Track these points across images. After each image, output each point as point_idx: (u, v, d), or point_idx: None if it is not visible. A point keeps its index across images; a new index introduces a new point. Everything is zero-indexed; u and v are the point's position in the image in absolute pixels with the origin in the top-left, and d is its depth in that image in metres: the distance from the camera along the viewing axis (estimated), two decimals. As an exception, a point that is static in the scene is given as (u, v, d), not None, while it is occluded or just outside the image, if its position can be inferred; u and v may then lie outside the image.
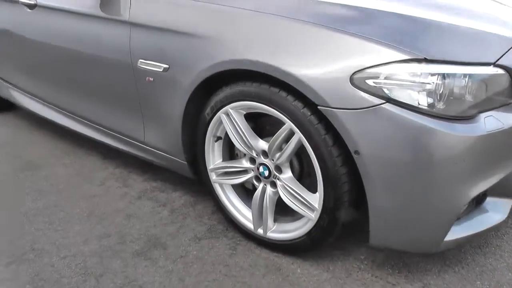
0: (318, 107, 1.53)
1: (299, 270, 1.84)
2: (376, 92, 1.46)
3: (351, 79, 1.48)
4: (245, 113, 1.81)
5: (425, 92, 1.45)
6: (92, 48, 2.28)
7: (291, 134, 1.67)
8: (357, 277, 1.79)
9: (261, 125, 1.89)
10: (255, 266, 1.87)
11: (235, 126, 1.83)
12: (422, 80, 1.45)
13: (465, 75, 1.47)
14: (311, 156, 1.64)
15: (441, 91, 1.45)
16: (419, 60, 1.45)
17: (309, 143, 1.62)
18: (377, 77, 1.46)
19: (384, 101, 1.45)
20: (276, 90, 1.64)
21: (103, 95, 2.37)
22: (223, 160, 2.01)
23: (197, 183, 2.44)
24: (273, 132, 1.86)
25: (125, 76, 2.16)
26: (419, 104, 1.45)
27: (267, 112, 1.72)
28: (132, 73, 2.12)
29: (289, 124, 1.64)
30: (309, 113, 1.59)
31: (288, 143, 1.69)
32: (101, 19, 2.20)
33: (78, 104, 2.58)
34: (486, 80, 1.50)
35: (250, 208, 1.99)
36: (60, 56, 2.50)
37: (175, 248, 2.00)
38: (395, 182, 1.50)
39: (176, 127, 2.04)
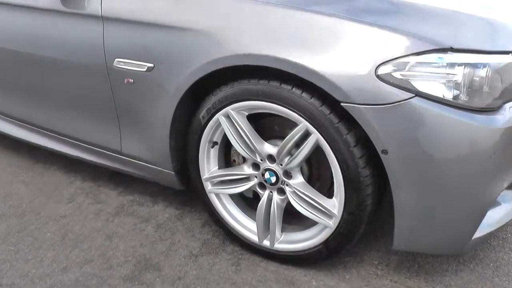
0: (342, 104, 1.39)
1: (314, 283, 1.69)
2: (403, 85, 1.35)
3: (376, 72, 1.36)
4: (247, 114, 1.64)
5: (451, 84, 1.36)
6: (54, 50, 1.99)
7: (304, 135, 1.52)
8: (376, 284, 1.68)
9: (261, 127, 1.72)
10: (265, 281, 1.70)
11: (237, 129, 1.64)
12: (448, 71, 1.35)
13: (490, 65, 1.39)
14: (329, 159, 1.50)
15: (466, 82, 1.36)
16: (445, 50, 1.36)
17: (328, 144, 1.47)
18: (403, 69, 1.35)
19: (412, 95, 1.34)
20: (288, 87, 1.48)
21: (70, 102, 2.08)
22: (219, 168, 1.82)
23: (180, 193, 2.24)
24: (277, 134, 1.71)
25: (97, 78, 1.90)
26: (444, 96, 1.36)
27: (275, 113, 1.55)
28: (106, 75, 1.87)
29: (304, 124, 1.49)
30: (328, 112, 1.45)
31: (303, 145, 1.53)
32: (65, 15, 1.92)
33: (38, 113, 2.26)
34: (510, 69, 1.44)
35: (252, 219, 1.82)
36: (13, 60, 2.18)
37: (171, 268, 1.78)
38: (424, 181, 1.40)
39: (162, 134, 1.82)
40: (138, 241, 1.94)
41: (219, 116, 1.65)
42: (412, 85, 1.35)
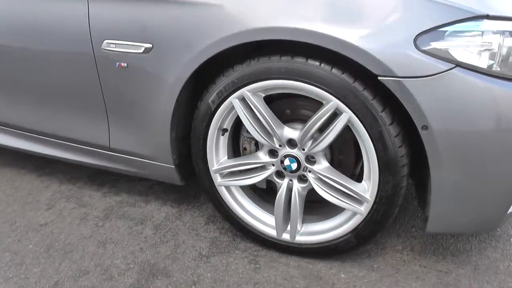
0: (379, 78, 1.28)
1: (343, 275, 1.57)
2: (443, 56, 1.25)
3: (415, 43, 1.25)
4: (264, 96, 1.48)
5: (487, 53, 1.29)
6: (29, 35, 1.73)
7: (331, 116, 1.40)
8: (406, 271, 1.59)
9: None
10: (291, 278, 1.56)
11: (253, 113, 1.49)
12: (484, 39, 1.28)
13: None
14: (362, 139, 1.38)
15: (502, 50, 1.29)
16: (481, 17, 1.28)
17: (362, 123, 1.35)
18: (441, 39, 1.26)
19: (453, 65, 1.25)
20: (315, 63, 1.35)
21: (48, 95, 1.82)
22: (228, 158, 1.65)
23: (171, 191, 2.05)
24: (288, 118, 1.56)
25: (81, 65, 1.67)
26: (482, 65, 1.28)
27: (298, 92, 1.41)
28: (92, 60, 1.64)
29: (334, 103, 1.36)
30: (361, 88, 1.33)
31: (331, 126, 1.40)
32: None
33: (9, 110, 1.97)
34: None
35: (267, 212, 1.67)
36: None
37: (181, 273, 1.59)
38: (464, 157, 1.31)
39: (162, 123, 1.63)
40: (137, 246, 1.74)
41: (233, 100, 1.48)
42: (451, 55, 1.26)
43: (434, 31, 1.26)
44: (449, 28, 1.26)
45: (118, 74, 1.62)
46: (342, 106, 1.35)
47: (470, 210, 1.40)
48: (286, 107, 1.58)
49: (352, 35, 1.26)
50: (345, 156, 1.58)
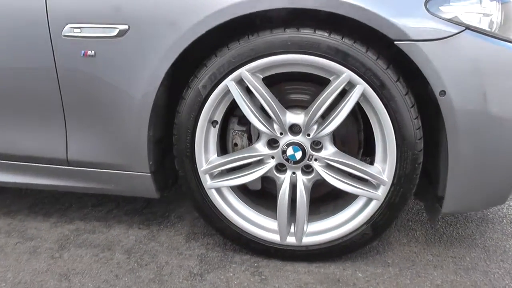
0: (396, 42, 1.20)
1: (360, 274, 1.41)
2: (452, 19, 1.23)
3: (426, 7, 1.22)
4: (262, 77, 1.34)
5: (488, 18, 1.29)
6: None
7: (340, 93, 1.29)
8: (421, 262, 1.48)
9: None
10: (306, 285, 1.36)
11: (252, 98, 1.33)
12: (484, 5, 1.29)
13: None
14: (379, 113, 1.28)
15: (499, 16, 1.31)
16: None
17: (377, 94, 1.26)
18: (447, 3, 1.24)
19: (463, 28, 1.22)
20: (324, 33, 1.24)
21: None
22: (218, 155, 1.45)
23: (135, 213, 1.78)
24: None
25: (35, 57, 1.40)
26: (487, 28, 1.27)
27: (304, 68, 1.29)
28: (49, 50, 1.38)
29: (347, 75, 1.25)
30: (375, 57, 1.24)
31: (344, 102, 1.29)
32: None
33: None
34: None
35: (265, 215, 1.48)
36: None
37: (175, 297, 1.32)
38: (481, 124, 1.27)
39: (138, 120, 1.39)
40: (111, 273, 1.42)
41: (228, 82, 1.31)
42: (460, 19, 1.24)
43: None
44: None
45: (82, 66, 1.37)
46: (355, 77, 1.25)
47: (485, 184, 1.35)
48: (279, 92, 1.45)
49: (367, 0, 1.19)
50: (348, 147, 1.47)
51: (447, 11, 1.23)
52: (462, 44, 1.22)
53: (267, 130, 1.35)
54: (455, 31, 1.22)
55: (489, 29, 1.26)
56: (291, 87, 1.47)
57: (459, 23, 1.23)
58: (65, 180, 1.55)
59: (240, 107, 1.33)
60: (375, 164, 1.36)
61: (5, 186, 1.64)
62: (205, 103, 1.35)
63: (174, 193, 1.92)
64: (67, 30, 1.34)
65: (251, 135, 1.50)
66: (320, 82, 1.41)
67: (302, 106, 1.42)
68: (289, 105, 1.42)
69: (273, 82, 1.39)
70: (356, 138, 1.51)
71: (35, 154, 1.53)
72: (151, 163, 1.46)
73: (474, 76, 1.23)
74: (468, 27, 1.23)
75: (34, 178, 1.58)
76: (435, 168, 1.40)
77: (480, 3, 1.28)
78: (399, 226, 1.68)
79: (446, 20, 1.22)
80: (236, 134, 1.50)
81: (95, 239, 1.61)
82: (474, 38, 1.23)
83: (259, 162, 1.42)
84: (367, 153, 1.55)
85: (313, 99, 1.35)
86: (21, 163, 1.55)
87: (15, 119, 1.50)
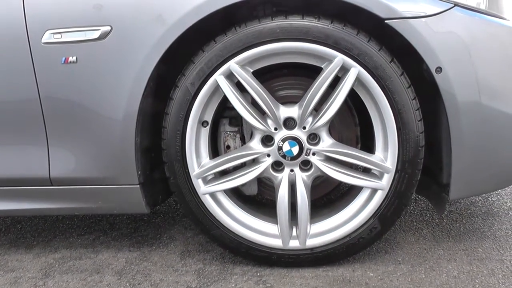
0: (387, 21, 1.18)
1: (371, 273, 1.31)
2: None
3: (412, -17, 1.21)
4: (252, 71, 1.29)
5: None
6: None
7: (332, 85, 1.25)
8: (433, 256, 1.40)
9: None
10: (316, 288, 1.26)
11: (243, 92, 1.28)
12: None
13: None
14: (376, 96, 1.23)
15: None
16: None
17: (373, 76, 1.22)
18: None
19: (452, 5, 1.22)
20: (313, 19, 1.22)
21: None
22: (210, 158, 1.37)
23: (124, 237, 1.68)
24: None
25: (12, 68, 1.33)
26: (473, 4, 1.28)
27: (294, 56, 1.25)
28: (28, 60, 1.31)
29: (340, 59, 1.21)
30: (366, 39, 1.21)
31: (338, 88, 1.25)
32: None
33: None
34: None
35: (264, 220, 1.39)
36: None
37: (174, 312, 1.19)
38: (480, 100, 1.24)
39: (124, 128, 1.31)
40: (101, 297, 1.29)
41: (218, 77, 1.26)
42: None
43: None
44: None
45: (63, 74, 1.30)
46: (348, 61, 1.22)
47: (492, 163, 1.30)
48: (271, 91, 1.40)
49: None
50: (345, 131, 1.42)
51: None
52: (453, 20, 1.22)
53: (261, 126, 1.29)
54: (445, 7, 1.21)
55: (476, 6, 1.26)
56: (280, 83, 1.43)
57: (448, 0, 1.22)
58: (49, 202, 1.43)
59: (232, 102, 1.28)
60: (376, 153, 1.30)
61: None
62: (194, 101, 1.29)
63: (163, 218, 1.81)
64: (47, 36, 1.28)
65: (244, 136, 1.44)
66: (309, 75, 1.38)
67: (293, 102, 1.37)
68: (280, 102, 1.37)
69: (261, 80, 1.34)
70: (353, 134, 1.46)
71: (15, 175, 1.42)
72: (139, 173, 1.37)
73: (467, 51, 1.21)
74: (457, 4, 1.23)
75: (15, 203, 1.46)
76: (437, 160, 1.35)
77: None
78: (404, 227, 1.61)
79: (433, -4, 1.22)
80: (228, 136, 1.43)
81: (82, 265, 1.48)
82: (463, 15, 1.22)
83: (254, 162, 1.34)
84: (365, 150, 1.50)
85: (303, 93, 1.31)
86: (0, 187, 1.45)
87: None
